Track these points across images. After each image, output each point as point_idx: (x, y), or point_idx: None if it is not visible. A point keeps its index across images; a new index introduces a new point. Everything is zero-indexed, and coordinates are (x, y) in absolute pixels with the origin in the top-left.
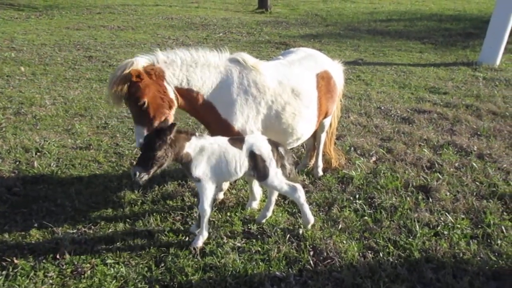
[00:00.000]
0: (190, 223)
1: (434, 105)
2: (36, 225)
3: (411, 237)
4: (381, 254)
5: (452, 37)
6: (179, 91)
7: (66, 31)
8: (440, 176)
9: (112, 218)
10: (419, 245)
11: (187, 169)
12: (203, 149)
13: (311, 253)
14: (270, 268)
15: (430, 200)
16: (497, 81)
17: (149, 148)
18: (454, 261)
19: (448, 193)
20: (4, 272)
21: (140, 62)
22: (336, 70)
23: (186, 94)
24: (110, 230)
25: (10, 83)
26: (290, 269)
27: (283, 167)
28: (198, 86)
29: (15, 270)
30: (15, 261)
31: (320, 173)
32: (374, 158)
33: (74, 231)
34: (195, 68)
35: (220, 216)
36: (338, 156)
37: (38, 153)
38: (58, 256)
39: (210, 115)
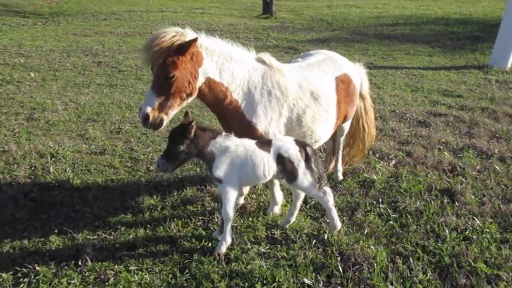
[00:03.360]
0: (212, 228)
1: (449, 108)
2: (55, 231)
3: (440, 242)
4: (410, 260)
5: (460, 40)
6: (210, 83)
7: (73, 37)
8: (463, 180)
9: (132, 224)
10: (448, 250)
11: (209, 168)
12: (227, 150)
13: (339, 258)
14: (298, 275)
15: (456, 204)
16: (510, 83)
17: (173, 142)
18: (487, 266)
19: (473, 197)
20: (26, 280)
21: (189, 35)
22: (357, 73)
23: (216, 88)
24: (131, 236)
25: (21, 88)
26: (318, 276)
27: (311, 169)
28: (228, 82)
29: (37, 277)
30: (37, 268)
31: (340, 177)
32: (394, 162)
33: (95, 237)
34: (229, 63)
35: (242, 221)
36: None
37: (53, 158)
38: (80, 263)
39: (234, 115)
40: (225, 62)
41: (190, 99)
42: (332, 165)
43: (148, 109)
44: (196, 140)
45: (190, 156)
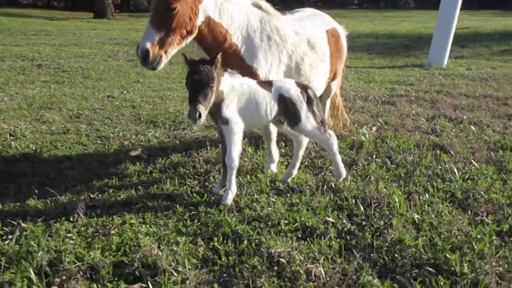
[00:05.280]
0: (210, 187)
1: (407, 92)
2: (33, 196)
3: (447, 182)
4: (426, 195)
5: (393, 49)
6: (210, 23)
7: (3, 47)
8: (447, 137)
9: (120, 187)
10: (458, 187)
11: (217, 109)
12: (234, 88)
13: (353, 201)
14: (317, 215)
15: (450, 153)
16: (452, 76)
17: (205, 81)
18: (502, 197)
19: (462, 148)
20: (11, 236)
21: None
22: (343, 31)
23: (215, 29)
24: (123, 196)
25: None
26: (339, 215)
27: (313, 111)
28: (227, 24)
29: (25, 233)
30: (23, 224)
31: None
32: (375, 128)
33: (82, 197)
34: (228, 3)
35: (241, 179)
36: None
37: (12, 137)
38: (71, 219)
39: (234, 59)
40: (224, 3)
41: (189, 38)
42: None
43: (148, 45)
44: (218, 77)
45: (214, 97)
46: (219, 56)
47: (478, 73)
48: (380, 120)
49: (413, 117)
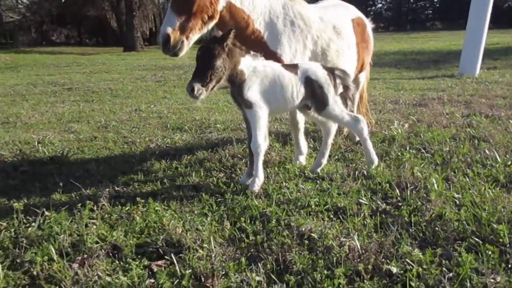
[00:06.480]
0: (237, 178)
1: (439, 95)
2: (58, 190)
3: (488, 167)
4: (467, 178)
5: (422, 63)
6: (231, 8)
7: (36, 76)
8: (485, 130)
9: (145, 181)
10: (500, 171)
11: (239, 91)
12: (257, 70)
13: (388, 185)
14: (350, 198)
15: (490, 142)
16: (486, 82)
17: (207, 58)
18: None
19: (503, 138)
20: (34, 224)
21: None
22: (368, 23)
23: (237, 15)
24: (148, 188)
25: None
26: (373, 197)
27: (341, 95)
28: (249, 10)
29: (48, 220)
30: (46, 212)
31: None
32: (407, 125)
33: (107, 189)
34: None
35: (269, 171)
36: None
37: (40, 144)
38: (95, 208)
39: (257, 46)
40: None
41: (211, 24)
42: None
43: (169, 30)
44: (230, 55)
45: (223, 75)
46: (231, 33)
47: None
48: (412, 117)
49: (447, 115)
